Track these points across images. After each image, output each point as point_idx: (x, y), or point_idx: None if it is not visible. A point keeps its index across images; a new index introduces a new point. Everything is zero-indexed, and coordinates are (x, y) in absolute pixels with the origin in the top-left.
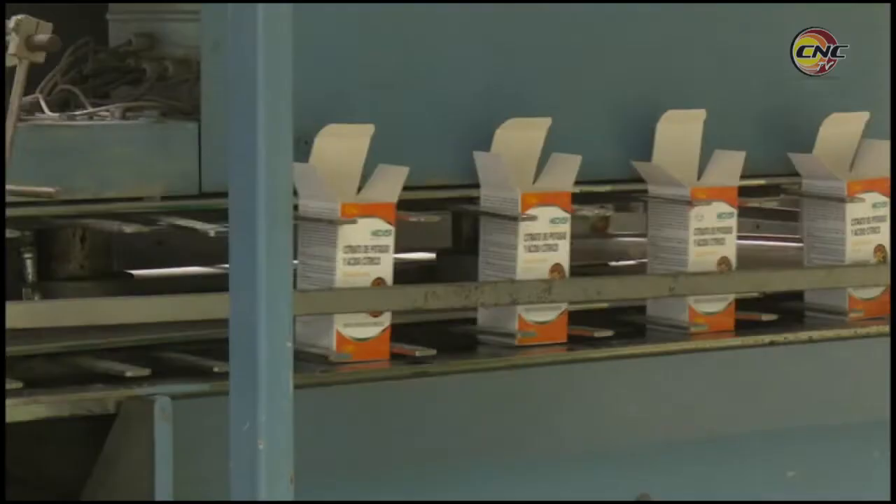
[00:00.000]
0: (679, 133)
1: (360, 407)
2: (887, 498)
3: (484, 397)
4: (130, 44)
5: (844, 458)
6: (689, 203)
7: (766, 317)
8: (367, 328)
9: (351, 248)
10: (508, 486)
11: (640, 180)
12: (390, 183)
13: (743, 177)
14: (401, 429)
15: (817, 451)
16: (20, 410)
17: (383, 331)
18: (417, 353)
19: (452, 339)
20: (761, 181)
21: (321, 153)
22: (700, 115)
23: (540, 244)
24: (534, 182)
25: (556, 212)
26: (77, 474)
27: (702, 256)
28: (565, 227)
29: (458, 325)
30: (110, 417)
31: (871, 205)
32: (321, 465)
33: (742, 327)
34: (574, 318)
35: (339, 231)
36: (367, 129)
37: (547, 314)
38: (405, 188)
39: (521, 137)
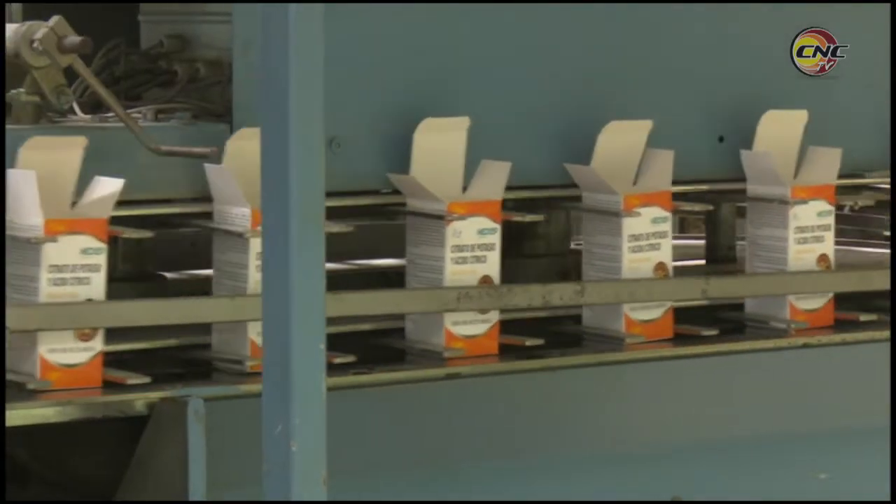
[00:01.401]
0: (779, 132)
1: (393, 408)
2: None
3: (515, 398)
4: (162, 45)
5: (879, 461)
6: (788, 202)
7: (864, 317)
8: None
9: (458, 248)
10: (543, 486)
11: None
12: (494, 179)
13: None
14: (434, 430)
15: (852, 454)
16: (53, 412)
17: None
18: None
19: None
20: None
21: (420, 149)
22: (802, 115)
23: (643, 244)
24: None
25: (658, 211)
26: (110, 476)
27: (801, 255)
28: (667, 227)
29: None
30: (143, 419)
31: (651, 220)
32: (354, 466)
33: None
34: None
35: (446, 230)
36: (464, 122)
37: (652, 312)
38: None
39: (622, 140)
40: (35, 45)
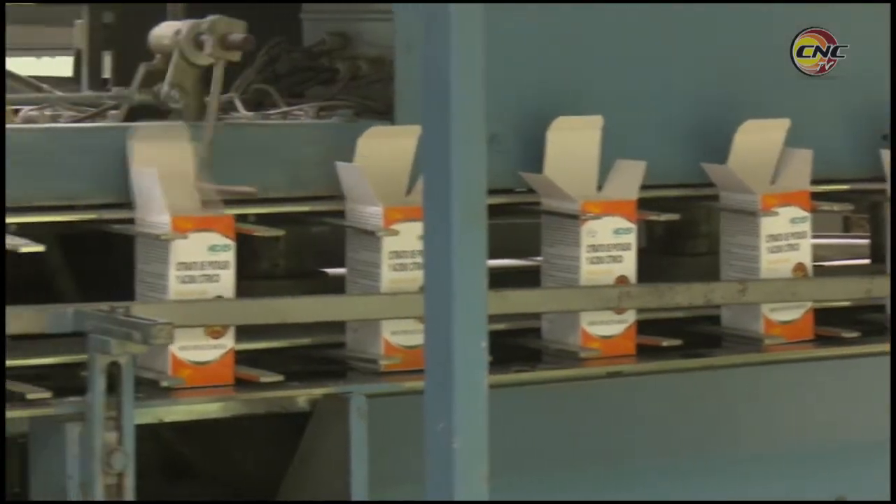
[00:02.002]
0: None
1: (555, 406)
2: None
3: (678, 397)
4: (324, 43)
5: None
6: None
7: None
8: None
9: (593, 248)
10: (705, 485)
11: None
12: (629, 179)
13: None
14: (595, 428)
15: None
16: (217, 407)
17: None
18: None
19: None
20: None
21: (554, 148)
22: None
23: (782, 244)
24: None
25: (796, 211)
26: (272, 473)
27: None
28: (806, 227)
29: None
30: (306, 415)
31: (790, 220)
32: (515, 464)
33: None
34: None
35: (581, 229)
36: (597, 121)
37: (792, 313)
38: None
39: (759, 139)
40: (198, 42)
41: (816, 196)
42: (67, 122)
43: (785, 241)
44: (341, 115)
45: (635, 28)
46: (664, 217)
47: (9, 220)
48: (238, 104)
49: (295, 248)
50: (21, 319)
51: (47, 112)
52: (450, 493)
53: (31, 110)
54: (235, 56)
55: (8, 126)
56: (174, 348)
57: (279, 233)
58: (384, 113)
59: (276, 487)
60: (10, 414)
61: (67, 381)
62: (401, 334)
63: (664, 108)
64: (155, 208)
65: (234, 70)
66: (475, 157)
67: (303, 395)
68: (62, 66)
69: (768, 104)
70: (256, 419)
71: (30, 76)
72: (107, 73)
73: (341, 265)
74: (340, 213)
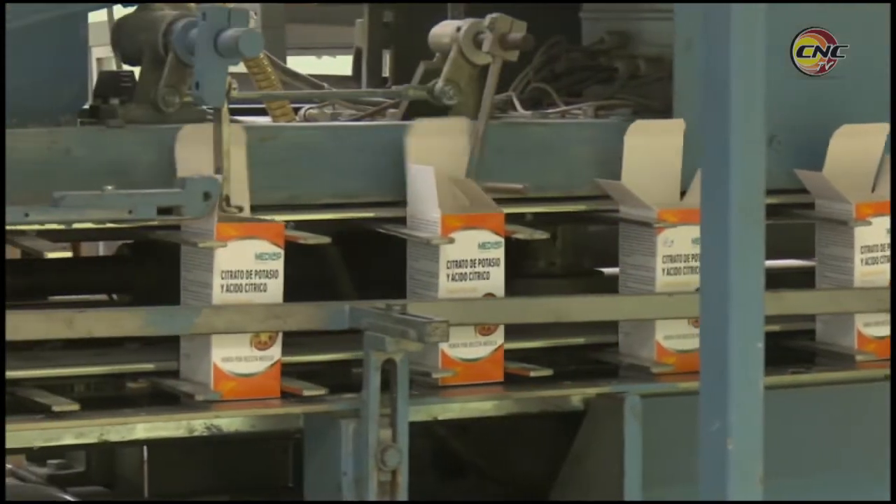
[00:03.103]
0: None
1: (831, 408)
2: None
3: None
4: (603, 42)
5: None
6: None
7: None
8: None
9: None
10: None
11: None
12: None
13: None
14: (869, 431)
15: None
16: (491, 406)
17: None
18: None
19: None
20: None
21: (633, 153)
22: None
23: (878, 255)
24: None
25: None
26: (546, 472)
27: None
28: None
29: None
30: (579, 415)
31: (885, 230)
32: (789, 466)
33: None
34: None
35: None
36: (678, 125)
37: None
38: None
39: (856, 144)
40: (477, 41)
41: None
42: (347, 121)
43: (881, 251)
44: (619, 114)
45: None
46: None
47: (287, 217)
48: (516, 103)
49: (571, 247)
50: (298, 316)
51: (327, 110)
52: (723, 494)
53: (312, 108)
54: (514, 55)
55: (289, 124)
56: (444, 345)
57: (325, 240)
58: (663, 112)
59: (549, 487)
60: (286, 410)
61: (343, 378)
62: (674, 338)
63: None
64: (427, 206)
65: (512, 69)
66: (754, 157)
67: (577, 395)
68: (342, 64)
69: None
70: (529, 418)
71: (310, 75)
72: (386, 72)
73: (617, 264)
74: (616, 212)
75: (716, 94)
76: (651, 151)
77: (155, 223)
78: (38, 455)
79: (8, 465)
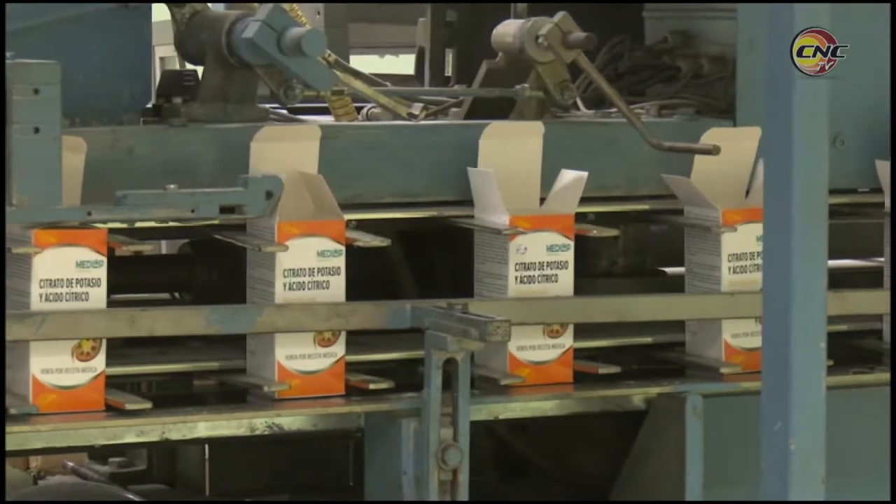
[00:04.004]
0: None
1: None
2: None
3: None
4: (666, 41)
5: None
6: None
7: None
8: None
9: (735, 257)
10: None
11: None
12: None
13: None
14: None
15: None
16: (553, 405)
17: None
18: None
19: None
20: None
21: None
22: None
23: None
24: None
25: None
26: (607, 471)
27: None
28: None
29: None
30: (641, 414)
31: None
32: (851, 466)
33: None
34: None
35: (721, 239)
36: (754, 131)
37: None
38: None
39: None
40: (540, 40)
41: None
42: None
43: None
44: (682, 113)
45: None
46: None
47: (350, 216)
48: (579, 102)
49: (634, 247)
50: (360, 314)
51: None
52: (785, 493)
53: (374, 107)
54: (576, 54)
55: (352, 123)
56: (513, 348)
57: (614, 232)
58: (725, 111)
59: (609, 487)
60: (347, 409)
61: (405, 377)
62: (741, 337)
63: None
64: (494, 207)
65: (575, 69)
66: (817, 157)
67: (639, 394)
68: (405, 64)
69: None
70: (591, 417)
71: (372, 74)
72: (449, 71)
73: (680, 263)
74: (681, 212)
75: (777, 94)
76: (723, 156)
77: (217, 222)
78: (99, 453)
79: (70, 463)
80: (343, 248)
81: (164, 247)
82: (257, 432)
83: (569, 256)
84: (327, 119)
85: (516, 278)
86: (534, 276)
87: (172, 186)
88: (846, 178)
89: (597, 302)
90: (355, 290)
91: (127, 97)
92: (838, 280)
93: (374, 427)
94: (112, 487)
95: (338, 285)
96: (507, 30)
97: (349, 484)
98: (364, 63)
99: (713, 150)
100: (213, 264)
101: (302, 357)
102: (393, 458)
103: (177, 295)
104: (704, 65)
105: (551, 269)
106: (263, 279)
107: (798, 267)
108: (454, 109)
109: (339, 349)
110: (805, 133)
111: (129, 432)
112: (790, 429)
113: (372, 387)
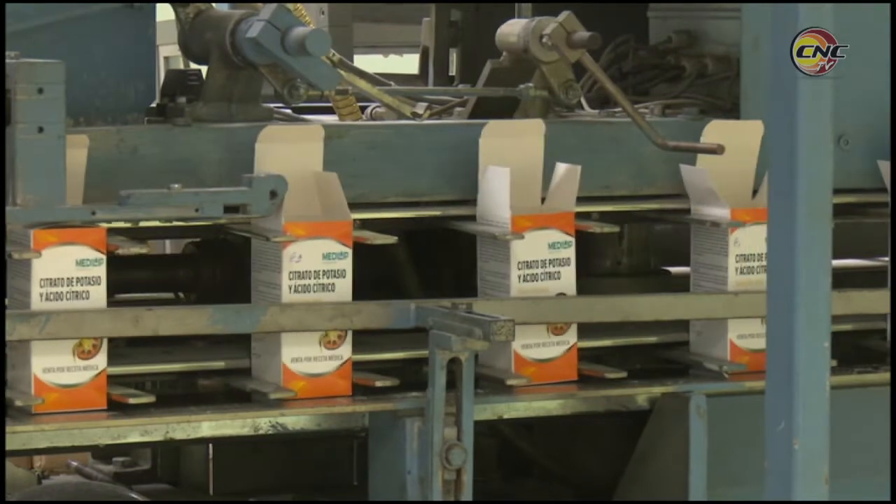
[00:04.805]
0: None
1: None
2: None
3: None
4: (670, 41)
5: None
6: None
7: None
8: None
9: (742, 257)
10: None
11: None
12: None
13: None
14: None
15: None
16: (557, 405)
17: None
18: None
19: None
20: None
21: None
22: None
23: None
24: None
25: None
26: (611, 471)
27: None
28: None
29: None
30: (645, 414)
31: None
32: (856, 466)
33: None
34: None
35: (729, 238)
36: (758, 126)
37: None
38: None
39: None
40: (544, 40)
41: None
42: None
43: None
44: (687, 113)
45: None
46: None
47: (355, 216)
48: (583, 102)
49: (638, 246)
50: (364, 314)
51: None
52: (789, 494)
53: (378, 107)
54: (580, 54)
55: (356, 123)
56: (517, 346)
57: (615, 228)
58: (730, 111)
59: (614, 486)
60: (351, 408)
61: (409, 377)
62: (747, 337)
63: None
64: (498, 206)
65: (579, 69)
66: (822, 156)
67: (642, 394)
68: (409, 63)
69: None
70: (595, 417)
71: (377, 73)
72: (453, 71)
73: (684, 263)
74: (685, 212)
75: (782, 94)
76: (727, 155)
77: (222, 221)
78: (103, 452)
79: (73, 463)
80: (349, 251)
81: (169, 246)
82: (261, 432)
83: (570, 253)
84: (331, 119)
85: (519, 277)
86: (536, 273)
87: (177, 186)
88: (851, 177)
89: (601, 301)
90: (359, 290)
91: (131, 97)
92: (843, 280)
93: (379, 427)
94: (116, 487)
95: (344, 287)
96: (512, 29)
97: (353, 483)
98: (368, 63)
99: (717, 150)
100: (217, 264)
101: (308, 360)
102: (397, 457)
103: (181, 295)
104: (709, 64)
105: (553, 266)
106: (268, 282)
107: (802, 266)
108: (458, 109)
109: (345, 351)
110: (809, 133)
111: (134, 432)
112: (794, 429)
113: (378, 384)
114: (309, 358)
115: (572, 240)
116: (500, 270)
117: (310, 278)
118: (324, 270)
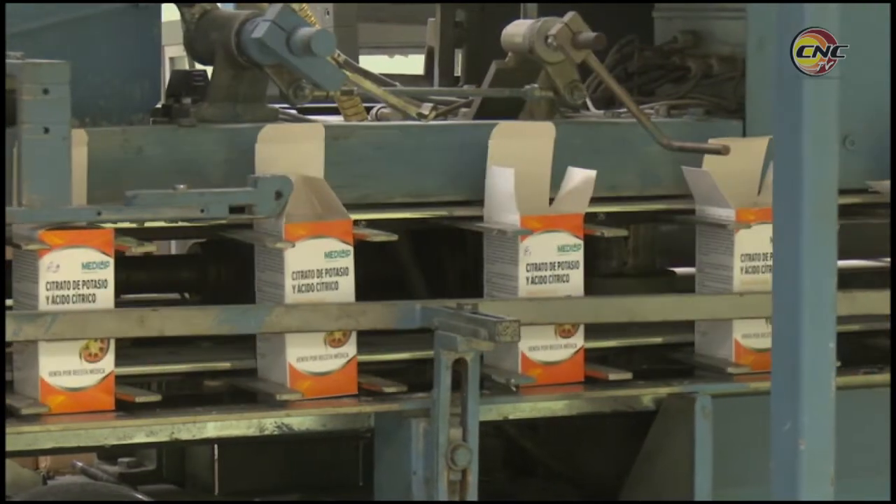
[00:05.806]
0: None
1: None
2: None
3: None
4: (675, 41)
5: None
6: None
7: None
8: None
9: (747, 257)
10: None
11: None
12: None
13: None
14: None
15: None
16: (562, 405)
17: None
18: None
19: None
20: None
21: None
22: None
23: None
24: None
25: None
26: (616, 471)
27: None
28: None
29: None
30: (650, 414)
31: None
32: (862, 466)
33: None
34: None
35: (734, 238)
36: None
37: None
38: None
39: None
40: (550, 40)
41: None
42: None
43: None
44: (692, 113)
45: None
46: None
47: (361, 216)
48: (588, 102)
49: (644, 247)
50: (370, 314)
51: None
52: (795, 494)
53: (384, 107)
54: (585, 55)
55: (362, 123)
56: (524, 348)
57: (623, 233)
58: (735, 111)
59: (619, 487)
60: (357, 409)
61: (415, 378)
62: (752, 337)
63: None
64: (506, 206)
65: (584, 69)
66: (827, 157)
67: (648, 394)
68: (414, 64)
69: None
70: (600, 417)
71: (382, 74)
72: (458, 72)
73: (689, 264)
74: (691, 212)
75: (787, 94)
76: (732, 156)
77: (226, 222)
78: (109, 453)
79: (79, 463)
80: (350, 249)
81: (174, 247)
82: (267, 433)
83: (579, 256)
84: (337, 119)
85: (527, 279)
86: (545, 276)
87: (182, 186)
88: (856, 177)
89: (607, 302)
90: (365, 291)
91: (136, 97)
92: (848, 280)
93: (384, 427)
94: (121, 488)
95: (347, 286)
96: (517, 30)
97: (359, 484)
98: (373, 63)
99: (723, 150)
100: (222, 265)
101: (313, 358)
102: (402, 458)
103: (186, 295)
104: (714, 65)
105: (562, 269)
106: (272, 282)
107: (808, 267)
108: (464, 109)
109: (350, 349)
110: (814, 133)
111: (139, 432)
112: (800, 429)
113: (386, 390)
114: (314, 357)
115: (581, 243)
116: (507, 272)
117: (313, 277)
118: (326, 269)
